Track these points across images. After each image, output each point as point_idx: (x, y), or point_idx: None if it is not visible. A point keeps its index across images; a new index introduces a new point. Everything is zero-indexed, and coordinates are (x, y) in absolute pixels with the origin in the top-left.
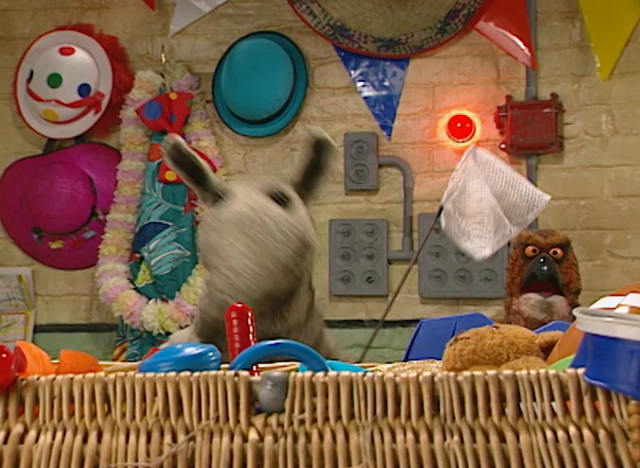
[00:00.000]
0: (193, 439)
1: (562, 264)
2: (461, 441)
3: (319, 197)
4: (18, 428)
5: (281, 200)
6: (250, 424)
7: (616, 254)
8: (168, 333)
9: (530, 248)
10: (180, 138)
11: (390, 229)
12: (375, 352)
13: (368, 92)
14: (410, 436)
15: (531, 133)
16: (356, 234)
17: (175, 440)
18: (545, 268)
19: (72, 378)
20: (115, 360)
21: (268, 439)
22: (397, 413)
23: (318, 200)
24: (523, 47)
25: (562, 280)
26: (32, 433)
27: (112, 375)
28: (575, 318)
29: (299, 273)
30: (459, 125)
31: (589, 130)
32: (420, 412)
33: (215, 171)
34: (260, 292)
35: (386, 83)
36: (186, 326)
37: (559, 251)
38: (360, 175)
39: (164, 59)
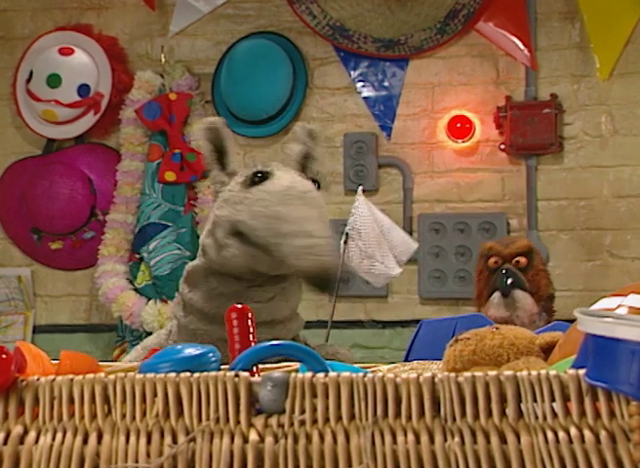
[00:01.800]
0: (193, 440)
1: (528, 272)
2: (462, 442)
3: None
4: (17, 429)
5: (317, 183)
6: (250, 425)
7: (615, 255)
8: None
9: (492, 259)
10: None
11: None
12: (375, 353)
13: (367, 92)
14: (410, 437)
15: (530, 133)
16: None
17: (175, 441)
18: (509, 281)
19: (72, 379)
20: (115, 360)
21: (269, 440)
22: (398, 414)
23: None
24: (522, 47)
25: (530, 289)
26: (32, 434)
27: (112, 376)
28: (540, 318)
29: None
30: (458, 125)
31: (589, 130)
32: (421, 413)
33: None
34: (336, 259)
35: (386, 83)
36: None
37: (522, 259)
38: (360, 176)
39: (163, 60)
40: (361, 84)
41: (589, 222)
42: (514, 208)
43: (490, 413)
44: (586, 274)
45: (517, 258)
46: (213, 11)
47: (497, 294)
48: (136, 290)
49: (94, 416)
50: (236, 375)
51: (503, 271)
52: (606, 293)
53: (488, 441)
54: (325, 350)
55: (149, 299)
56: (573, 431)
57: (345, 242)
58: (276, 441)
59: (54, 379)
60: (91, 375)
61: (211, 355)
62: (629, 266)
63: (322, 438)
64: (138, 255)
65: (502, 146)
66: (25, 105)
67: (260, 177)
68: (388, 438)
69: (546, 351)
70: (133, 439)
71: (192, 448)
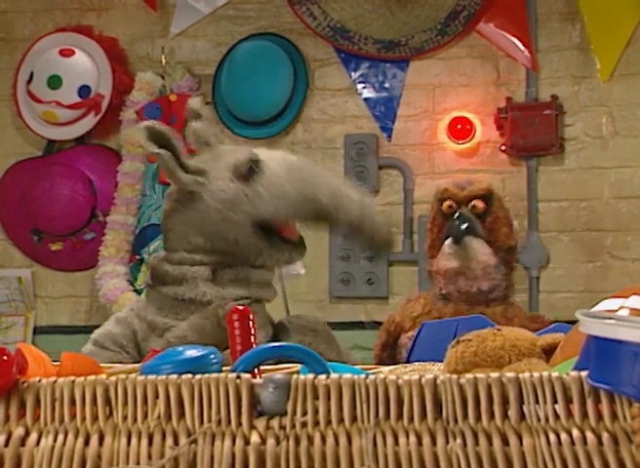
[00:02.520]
0: (195, 442)
1: (485, 219)
2: (464, 444)
3: None
4: (19, 431)
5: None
6: (252, 427)
7: (616, 256)
8: None
9: (446, 203)
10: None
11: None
12: None
13: (368, 93)
14: (412, 439)
15: (531, 134)
16: None
17: (176, 443)
18: (463, 227)
19: (74, 381)
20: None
21: (270, 442)
22: (399, 416)
23: None
24: (523, 48)
25: (487, 237)
26: (33, 436)
27: (114, 378)
28: (497, 272)
29: None
30: (459, 126)
31: (589, 131)
32: (423, 415)
33: None
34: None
35: (386, 84)
36: None
37: (480, 203)
38: (360, 177)
39: (164, 61)
40: (362, 85)
41: (590, 224)
42: (515, 209)
43: (492, 415)
44: (587, 275)
45: (474, 203)
46: (213, 12)
47: (448, 243)
48: (136, 291)
49: (95, 418)
50: (238, 377)
51: (457, 216)
52: (606, 295)
53: (490, 443)
54: (301, 320)
55: None
56: (575, 433)
57: None
58: (278, 443)
59: (55, 381)
60: (92, 377)
61: (212, 356)
62: (630, 267)
63: (324, 440)
64: (138, 257)
65: (503, 147)
66: (26, 106)
67: (252, 166)
68: (390, 440)
69: (548, 353)
70: (134, 441)
71: (194, 449)
